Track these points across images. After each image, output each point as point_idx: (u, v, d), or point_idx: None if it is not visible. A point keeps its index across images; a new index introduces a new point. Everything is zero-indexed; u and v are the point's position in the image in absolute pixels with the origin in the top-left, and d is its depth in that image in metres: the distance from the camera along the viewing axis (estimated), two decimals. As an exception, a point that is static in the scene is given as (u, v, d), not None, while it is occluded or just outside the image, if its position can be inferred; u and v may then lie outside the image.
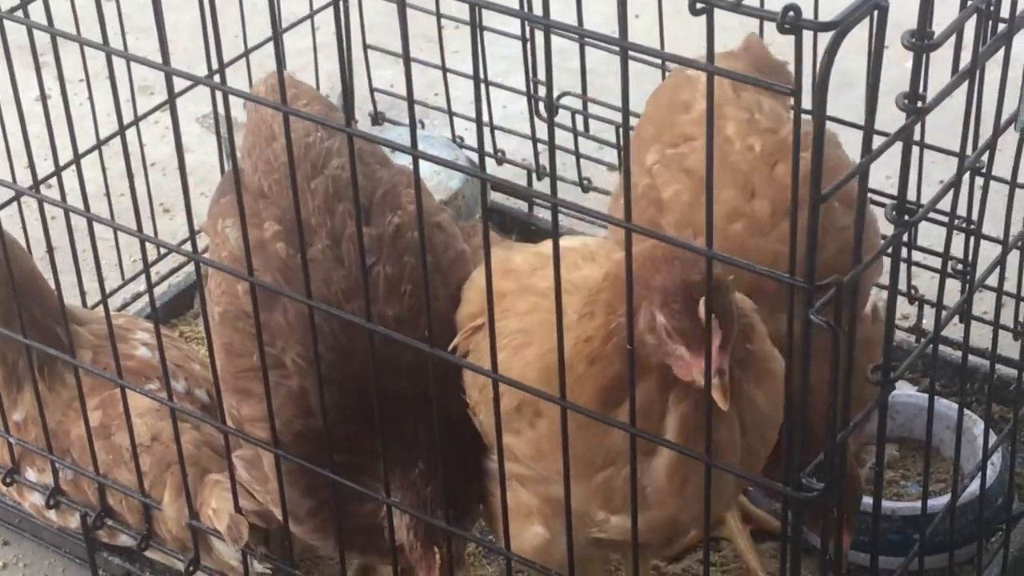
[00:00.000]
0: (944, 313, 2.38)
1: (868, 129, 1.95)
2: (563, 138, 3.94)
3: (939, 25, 1.96)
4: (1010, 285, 3.32)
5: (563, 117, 3.91)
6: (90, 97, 3.58)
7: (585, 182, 3.96)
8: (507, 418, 2.47)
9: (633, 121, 3.26)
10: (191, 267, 3.62)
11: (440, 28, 3.93)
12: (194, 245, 2.54)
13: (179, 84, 2.41)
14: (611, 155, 4.01)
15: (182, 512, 2.90)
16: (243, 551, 2.84)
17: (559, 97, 3.90)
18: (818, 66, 1.78)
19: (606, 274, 2.37)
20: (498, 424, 2.36)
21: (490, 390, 2.32)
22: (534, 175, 3.99)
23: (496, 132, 4.01)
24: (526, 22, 3.72)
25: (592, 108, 3.92)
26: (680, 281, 2.22)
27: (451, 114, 4.08)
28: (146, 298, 3.00)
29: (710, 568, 3.17)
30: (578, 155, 3.93)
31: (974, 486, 2.90)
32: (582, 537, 2.56)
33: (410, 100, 2.16)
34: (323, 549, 2.88)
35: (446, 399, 2.49)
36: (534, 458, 2.48)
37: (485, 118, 3.89)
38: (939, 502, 2.89)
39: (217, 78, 2.36)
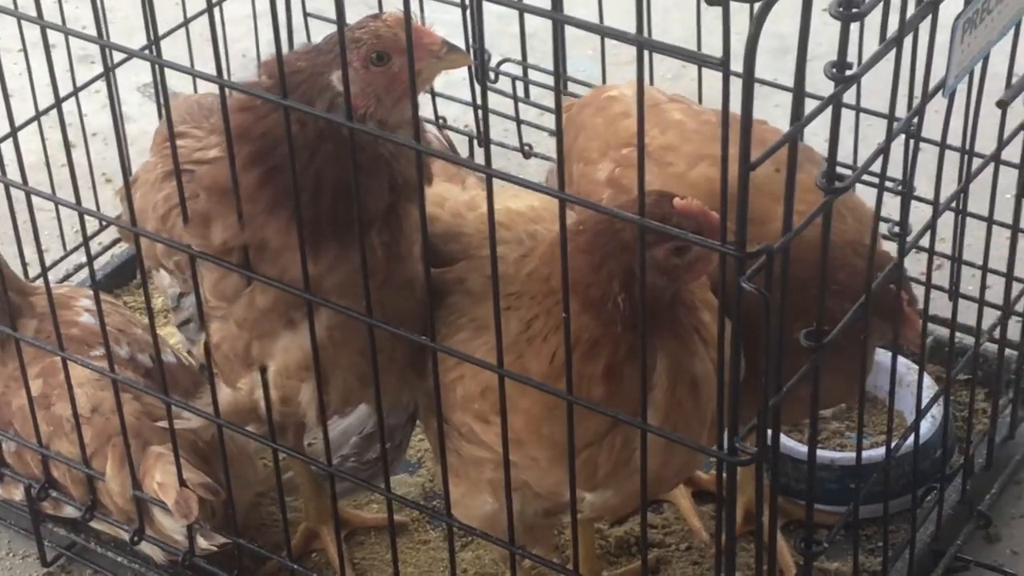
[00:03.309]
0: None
1: (797, 96, 1.97)
2: (504, 104, 3.95)
3: (869, -8, 1.97)
4: (946, 247, 3.37)
5: (504, 83, 3.92)
6: (28, 68, 3.56)
7: (527, 148, 3.97)
8: (469, 399, 2.50)
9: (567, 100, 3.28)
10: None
11: (380, -5, 3.92)
12: (132, 216, 2.55)
13: (118, 55, 2.40)
14: (552, 121, 4.02)
15: (126, 484, 2.90)
16: (189, 526, 2.85)
17: (499, 63, 3.91)
18: (747, 33, 1.81)
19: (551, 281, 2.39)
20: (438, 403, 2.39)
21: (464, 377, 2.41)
22: (475, 142, 4.00)
23: (437, 98, 4.01)
24: (466, -11, 3.72)
25: (532, 74, 3.93)
26: (649, 212, 2.21)
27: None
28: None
29: (655, 530, 3.22)
30: (519, 121, 3.94)
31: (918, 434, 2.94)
32: (532, 508, 2.60)
33: (344, 67, 2.18)
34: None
35: None
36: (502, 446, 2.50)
37: (426, 85, 3.91)
38: (877, 453, 2.94)
39: (156, 51, 2.36)
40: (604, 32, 2.05)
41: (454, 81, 4.33)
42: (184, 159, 2.45)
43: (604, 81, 3.76)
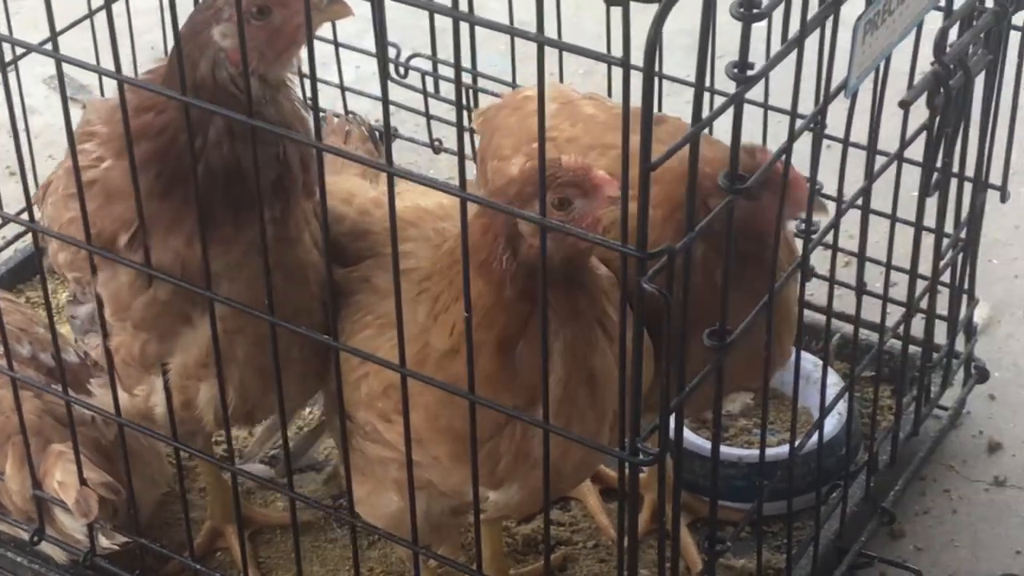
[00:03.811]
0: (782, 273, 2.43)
1: (698, 96, 1.97)
2: (415, 99, 3.93)
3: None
4: (852, 244, 3.39)
5: (414, 78, 3.91)
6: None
7: (437, 143, 3.96)
8: (372, 398, 2.48)
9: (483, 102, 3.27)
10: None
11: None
12: (31, 214, 2.51)
13: (18, 48, 2.37)
14: (463, 116, 4.01)
15: (25, 483, 2.86)
16: (90, 525, 2.82)
17: (409, 58, 3.90)
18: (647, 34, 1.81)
19: (443, 266, 2.40)
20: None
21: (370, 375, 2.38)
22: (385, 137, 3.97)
23: (347, 93, 3.99)
24: (375, -17, 3.70)
25: (443, 69, 3.91)
26: (533, 170, 2.21)
27: (301, 76, 4.05)
28: (-9, 264, 2.99)
29: (561, 528, 3.22)
30: (428, 116, 3.93)
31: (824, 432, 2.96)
32: (439, 507, 2.59)
33: (245, 67, 2.16)
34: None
35: None
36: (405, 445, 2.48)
37: (336, 79, 3.89)
38: (782, 450, 2.96)
39: (54, 45, 2.32)
40: (507, 30, 2.05)
41: (365, 75, 4.32)
42: (84, 173, 2.42)
43: (514, 77, 3.76)
